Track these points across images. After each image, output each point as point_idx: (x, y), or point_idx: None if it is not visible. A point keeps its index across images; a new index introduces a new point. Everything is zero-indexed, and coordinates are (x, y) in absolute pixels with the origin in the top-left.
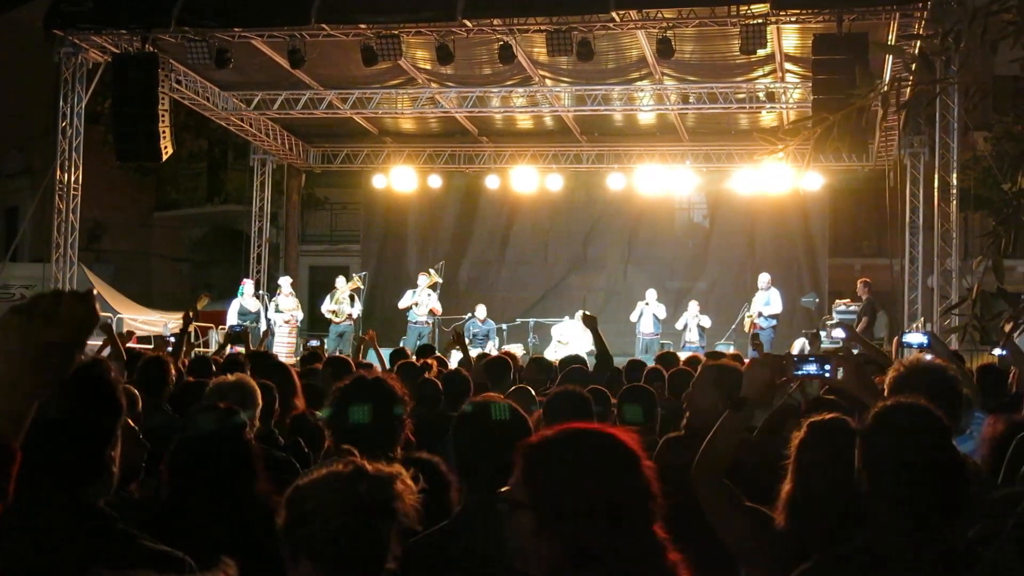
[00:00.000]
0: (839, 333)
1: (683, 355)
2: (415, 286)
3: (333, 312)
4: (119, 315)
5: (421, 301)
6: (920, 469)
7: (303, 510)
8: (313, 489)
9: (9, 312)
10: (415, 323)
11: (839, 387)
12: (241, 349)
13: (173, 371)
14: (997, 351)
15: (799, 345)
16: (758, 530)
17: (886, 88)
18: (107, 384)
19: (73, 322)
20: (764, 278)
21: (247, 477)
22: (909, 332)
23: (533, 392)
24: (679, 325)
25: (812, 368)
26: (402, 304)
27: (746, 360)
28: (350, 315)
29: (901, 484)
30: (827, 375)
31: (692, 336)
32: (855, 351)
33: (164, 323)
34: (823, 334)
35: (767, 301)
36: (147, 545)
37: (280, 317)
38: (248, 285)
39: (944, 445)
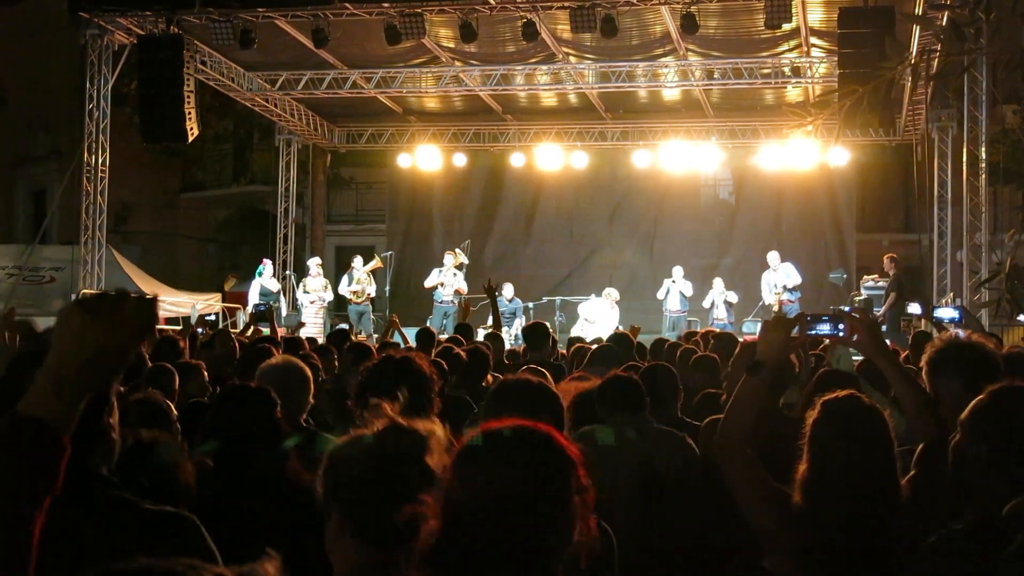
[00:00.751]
0: (950, 312)
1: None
2: (441, 265)
3: (354, 293)
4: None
5: (447, 281)
6: None
7: (333, 463)
8: (346, 444)
9: (73, 305)
10: (441, 303)
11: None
12: (266, 329)
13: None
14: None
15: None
16: (779, 509)
17: (915, 59)
18: None
19: (133, 326)
20: (774, 256)
21: (278, 457)
22: (940, 307)
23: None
24: (706, 303)
25: (826, 328)
26: (428, 283)
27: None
28: (370, 295)
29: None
30: (841, 334)
31: (720, 313)
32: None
33: (192, 304)
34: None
35: (787, 275)
36: (150, 509)
37: (307, 298)
38: (268, 266)
39: None
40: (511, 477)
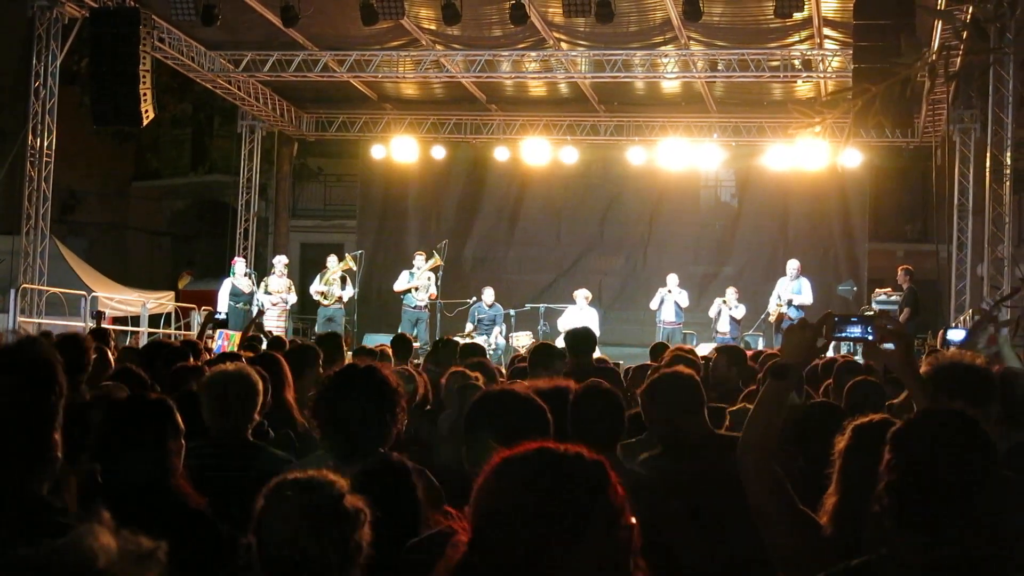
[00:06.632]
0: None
1: (709, 347)
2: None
3: (322, 294)
4: (93, 293)
5: (421, 285)
6: (946, 488)
7: (256, 522)
8: (264, 501)
9: None
10: (414, 308)
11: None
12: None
13: (92, 352)
14: None
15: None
16: (800, 532)
17: (934, 57)
18: (46, 363)
19: None
20: (793, 265)
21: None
22: (953, 328)
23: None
24: (712, 312)
25: (856, 330)
26: (397, 287)
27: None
28: (340, 297)
29: (924, 502)
30: (870, 338)
31: (723, 327)
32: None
33: (142, 302)
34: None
35: (797, 290)
36: None
37: (268, 299)
38: (240, 264)
39: (975, 460)
40: (531, 496)
